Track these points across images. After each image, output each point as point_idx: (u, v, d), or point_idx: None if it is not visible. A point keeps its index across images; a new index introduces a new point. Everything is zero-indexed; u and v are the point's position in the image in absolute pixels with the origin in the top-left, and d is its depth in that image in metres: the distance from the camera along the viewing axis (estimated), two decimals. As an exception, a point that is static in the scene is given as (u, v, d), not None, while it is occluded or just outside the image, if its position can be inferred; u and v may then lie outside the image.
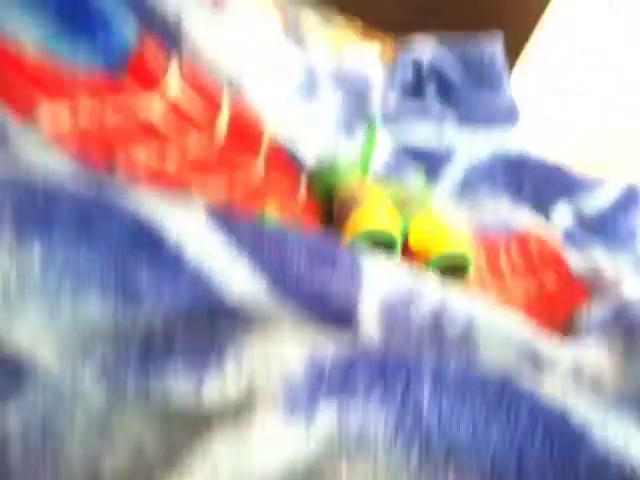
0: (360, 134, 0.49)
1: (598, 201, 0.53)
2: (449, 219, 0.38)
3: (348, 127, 0.49)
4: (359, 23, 0.92)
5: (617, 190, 0.52)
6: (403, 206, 0.37)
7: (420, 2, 1.05)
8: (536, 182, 0.53)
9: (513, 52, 0.94)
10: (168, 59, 0.35)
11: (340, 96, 0.54)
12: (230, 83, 0.39)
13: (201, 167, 0.33)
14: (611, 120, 1.08)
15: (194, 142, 0.35)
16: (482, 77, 0.74)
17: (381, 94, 0.62)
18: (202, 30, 0.38)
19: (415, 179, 0.48)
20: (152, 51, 0.34)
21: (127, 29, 0.32)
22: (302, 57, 0.57)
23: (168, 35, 0.36)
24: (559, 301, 0.40)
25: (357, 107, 0.55)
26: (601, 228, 0.52)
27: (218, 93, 0.38)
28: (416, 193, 0.43)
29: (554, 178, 0.53)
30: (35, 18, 0.29)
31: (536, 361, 0.26)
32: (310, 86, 0.51)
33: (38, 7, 0.29)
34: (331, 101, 0.52)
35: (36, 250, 0.18)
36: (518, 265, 0.42)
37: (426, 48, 0.72)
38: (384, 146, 0.50)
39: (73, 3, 0.30)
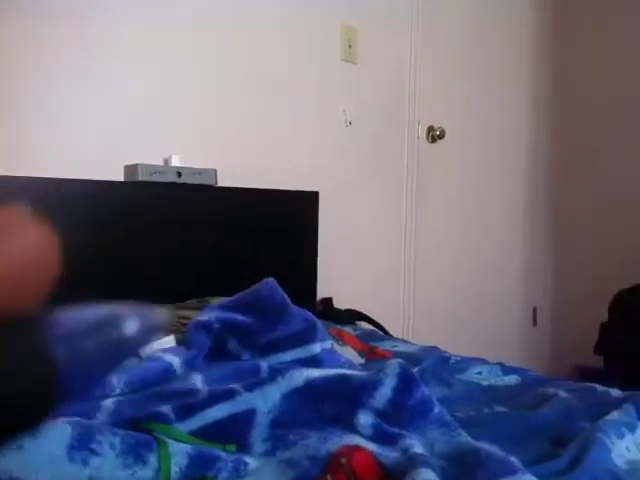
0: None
1: (385, 391, 0.63)
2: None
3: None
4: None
5: (394, 378, 0.64)
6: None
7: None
8: (333, 400, 0.62)
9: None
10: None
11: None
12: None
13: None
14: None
15: None
16: (269, 312, 0.86)
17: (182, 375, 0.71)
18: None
19: None
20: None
21: None
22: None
23: None
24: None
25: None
26: (396, 413, 0.62)
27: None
28: None
29: (344, 392, 0.63)
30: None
31: None
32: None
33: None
34: None
35: None
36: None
37: (212, 312, 0.83)
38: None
39: None
